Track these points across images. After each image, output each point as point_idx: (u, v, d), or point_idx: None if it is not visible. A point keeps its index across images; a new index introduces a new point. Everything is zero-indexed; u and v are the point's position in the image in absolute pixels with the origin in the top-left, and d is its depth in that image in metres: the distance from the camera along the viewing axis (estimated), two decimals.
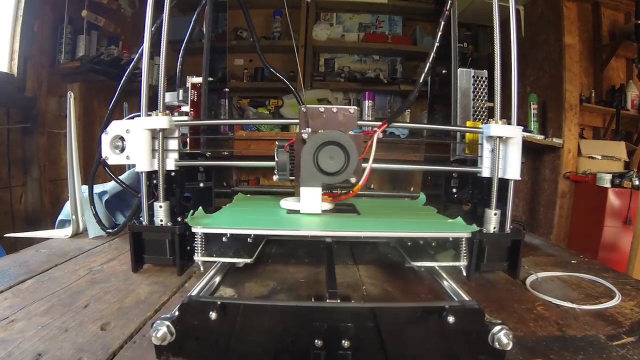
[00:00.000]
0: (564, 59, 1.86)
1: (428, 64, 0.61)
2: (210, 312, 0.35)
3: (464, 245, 0.54)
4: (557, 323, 0.46)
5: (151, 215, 0.59)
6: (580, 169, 1.88)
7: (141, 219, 0.60)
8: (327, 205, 0.61)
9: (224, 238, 0.55)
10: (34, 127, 1.52)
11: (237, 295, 0.52)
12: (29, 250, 0.71)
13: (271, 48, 2.37)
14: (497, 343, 0.35)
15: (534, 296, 0.54)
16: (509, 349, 0.34)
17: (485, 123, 0.63)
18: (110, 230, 0.78)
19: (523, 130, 0.60)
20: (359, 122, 0.58)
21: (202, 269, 0.53)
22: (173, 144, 0.62)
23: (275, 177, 0.58)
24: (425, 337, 0.36)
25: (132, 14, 2.02)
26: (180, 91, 0.75)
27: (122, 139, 0.60)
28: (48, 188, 1.58)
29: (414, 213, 0.69)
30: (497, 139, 0.59)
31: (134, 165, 0.61)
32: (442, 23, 0.62)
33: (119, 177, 0.78)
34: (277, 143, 0.59)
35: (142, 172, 0.59)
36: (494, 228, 0.60)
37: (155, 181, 0.60)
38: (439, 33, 0.61)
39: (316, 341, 0.35)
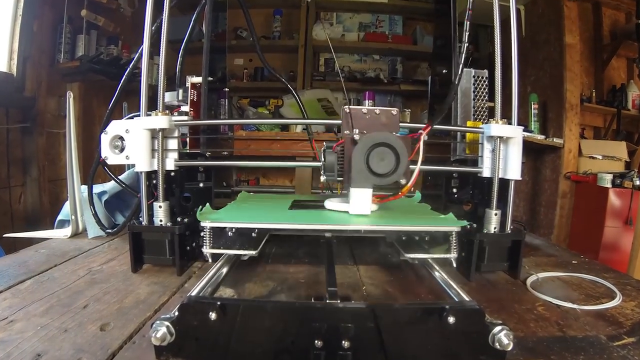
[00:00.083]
0: (565, 58, 1.86)
1: (461, 65, 0.62)
2: (210, 313, 0.35)
3: (454, 238, 0.57)
4: (558, 323, 0.46)
5: (151, 215, 0.59)
6: (581, 169, 1.88)
7: (141, 219, 0.60)
8: (374, 207, 0.62)
9: (229, 232, 0.58)
10: (33, 127, 1.52)
11: (237, 296, 0.52)
12: (28, 251, 0.71)
13: (271, 48, 2.37)
14: (497, 343, 0.34)
15: (534, 296, 0.54)
16: (509, 349, 0.34)
17: (486, 123, 0.62)
18: (110, 231, 0.78)
19: (524, 130, 0.60)
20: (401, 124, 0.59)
21: (210, 260, 0.57)
22: (173, 143, 0.62)
23: (322, 178, 0.59)
24: (426, 337, 0.36)
25: (131, 14, 2.02)
26: (180, 91, 0.75)
27: (121, 138, 0.60)
28: (47, 188, 1.58)
29: (408, 210, 0.71)
30: (498, 139, 0.58)
31: (133, 165, 0.61)
32: (468, 23, 0.62)
33: (119, 177, 0.78)
34: (324, 144, 0.60)
35: (141, 172, 0.59)
36: (495, 228, 0.59)
37: (154, 181, 0.60)
38: (467, 33, 0.62)
39: (316, 341, 0.35)
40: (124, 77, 0.72)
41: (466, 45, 0.62)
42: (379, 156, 0.54)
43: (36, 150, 1.54)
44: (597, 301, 0.52)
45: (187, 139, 0.68)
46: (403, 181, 0.55)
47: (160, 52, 0.59)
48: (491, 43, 0.59)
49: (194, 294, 0.44)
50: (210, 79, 0.74)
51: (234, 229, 0.58)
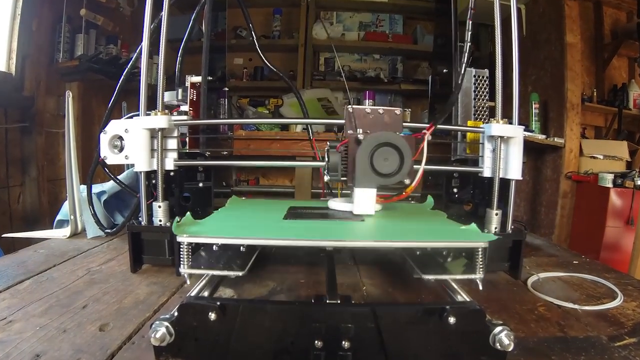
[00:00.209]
0: (566, 58, 1.85)
1: (464, 65, 0.61)
2: (210, 313, 0.35)
3: (480, 255, 0.47)
4: (559, 324, 0.45)
5: (150, 215, 0.59)
6: (582, 169, 1.88)
7: (140, 219, 0.60)
8: (378, 207, 0.60)
9: (214, 247, 0.51)
10: (32, 127, 1.52)
11: (237, 296, 0.52)
12: (27, 251, 0.70)
13: (271, 47, 2.37)
14: (498, 344, 0.34)
15: (535, 297, 0.54)
16: (510, 349, 0.34)
17: (487, 122, 0.62)
18: (109, 231, 0.78)
19: (524, 130, 0.60)
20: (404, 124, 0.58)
21: (188, 282, 0.48)
22: (172, 143, 0.61)
23: (326, 178, 0.57)
24: (426, 338, 0.36)
25: (130, 13, 2.02)
26: (180, 90, 0.75)
27: (120, 138, 0.60)
28: (46, 188, 1.58)
29: (422, 219, 0.65)
30: (499, 139, 0.58)
31: (132, 165, 0.61)
32: (471, 22, 0.62)
33: (118, 177, 0.78)
34: (328, 143, 0.58)
35: (141, 172, 0.59)
36: (495, 228, 0.59)
37: (154, 181, 0.60)
38: (469, 33, 0.61)
39: (316, 342, 0.34)
40: (123, 76, 0.71)
41: (468, 44, 0.62)
42: (383, 156, 0.53)
43: (35, 150, 1.54)
44: (598, 301, 0.52)
45: (187, 139, 0.67)
46: (407, 181, 0.54)
47: (160, 52, 0.59)
48: (492, 42, 0.59)
49: (193, 294, 0.44)
50: (209, 78, 0.73)
51: (218, 244, 0.50)
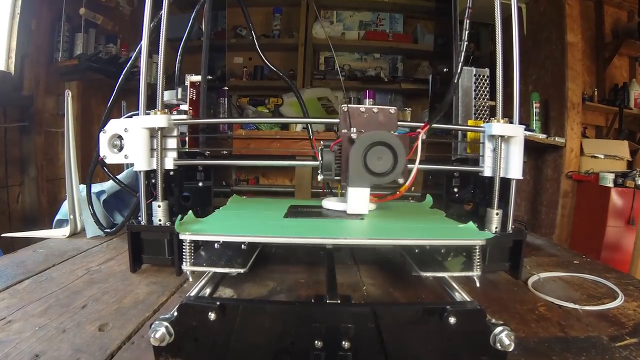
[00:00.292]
0: (567, 57, 1.85)
1: (460, 63, 0.61)
2: (209, 313, 0.35)
3: (477, 253, 0.49)
4: (560, 324, 0.45)
5: (150, 214, 0.59)
6: (583, 169, 1.87)
7: (139, 218, 0.60)
8: (372, 206, 0.60)
9: (215, 245, 0.52)
10: (31, 126, 1.52)
11: (237, 296, 0.52)
12: (26, 251, 0.70)
13: (271, 46, 2.36)
14: (498, 344, 0.34)
15: (536, 297, 0.53)
16: (510, 350, 0.34)
17: (487, 122, 0.62)
18: (109, 230, 0.78)
19: (525, 129, 0.60)
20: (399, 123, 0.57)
21: (190, 279, 0.50)
22: (172, 142, 0.61)
23: (319, 177, 0.57)
24: (426, 338, 0.36)
25: (130, 12, 2.01)
26: (179, 89, 0.75)
27: (120, 137, 0.60)
28: (45, 187, 1.58)
29: (421, 217, 0.66)
30: (499, 138, 0.58)
31: (132, 165, 0.61)
32: (468, 22, 0.62)
33: (117, 177, 0.78)
34: (322, 142, 0.58)
35: (140, 172, 0.59)
36: (496, 228, 0.59)
37: (153, 180, 0.59)
38: (466, 32, 0.61)
39: (316, 342, 0.34)
40: (123, 75, 0.71)
41: (466, 43, 0.61)
42: (376, 155, 0.53)
43: (34, 150, 1.53)
44: (599, 301, 0.52)
45: (186, 138, 0.67)
46: (401, 180, 0.54)
47: (159, 51, 0.59)
48: (492, 41, 0.59)
49: (193, 294, 0.44)
50: (209, 77, 0.73)
51: (220, 242, 0.52)
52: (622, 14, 2.15)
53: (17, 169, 1.50)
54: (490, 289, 0.56)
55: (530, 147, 1.86)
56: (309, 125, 0.93)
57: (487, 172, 0.61)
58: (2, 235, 0.90)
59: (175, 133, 0.62)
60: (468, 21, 0.62)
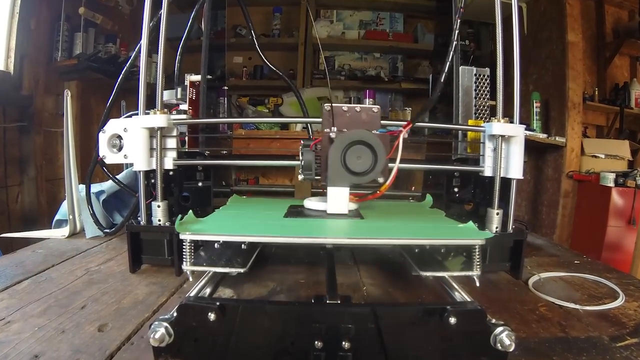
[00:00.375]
0: (567, 56, 1.84)
1: (447, 63, 0.61)
2: (209, 313, 0.35)
3: (477, 253, 0.49)
4: (560, 324, 0.45)
5: (149, 215, 0.59)
6: (584, 168, 1.87)
7: (139, 218, 0.59)
8: (353, 206, 0.60)
9: (215, 244, 0.52)
10: (30, 126, 1.51)
11: (236, 296, 0.52)
12: (26, 251, 0.70)
13: (270, 45, 2.36)
14: (499, 344, 0.34)
15: (536, 297, 0.53)
16: (511, 350, 0.34)
17: (487, 121, 0.62)
18: (108, 230, 0.78)
19: (526, 129, 0.60)
20: (382, 122, 0.57)
21: (190, 279, 0.49)
22: (171, 142, 0.61)
23: (300, 177, 0.57)
24: (427, 338, 0.36)
25: (130, 11, 2.01)
26: (179, 89, 0.75)
27: (119, 137, 0.60)
28: (45, 187, 1.58)
29: (421, 217, 0.66)
30: (500, 138, 0.58)
31: (131, 165, 0.60)
32: (459, 21, 0.61)
33: (117, 177, 0.78)
34: (302, 142, 0.57)
35: (140, 172, 0.58)
36: (496, 228, 0.59)
37: (153, 180, 0.59)
38: (456, 31, 0.61)
39: (316, 342, 0.34)
40: (122, 75, 0.71)
41: (455, 43, 0.61)
42: (355, 154, 0.52)
43: (33, 150, 1.53)
44: (599, 301, 0.52)
45: (186, 138, 0.67)
46: (381, 179, 0.54)
47: (159, 50, 0.59)
48: (493, 41, 0.58)
49: (192, 294, 0.44)
50: (209, 77, 0.73)
51: (220, 242, 0.52)
52: (623, 14, 2.15)
53: (17, 169, 1.50)
54: (490, 289, 0.56)
55: (531, 146, 1.86)
56: (308, 125, 0.93)
57: (488, 171, 0.61)
58: (2, 235, 0.90)
59: (174, 133, 0.61)
60: (459, 21, 0.62)
